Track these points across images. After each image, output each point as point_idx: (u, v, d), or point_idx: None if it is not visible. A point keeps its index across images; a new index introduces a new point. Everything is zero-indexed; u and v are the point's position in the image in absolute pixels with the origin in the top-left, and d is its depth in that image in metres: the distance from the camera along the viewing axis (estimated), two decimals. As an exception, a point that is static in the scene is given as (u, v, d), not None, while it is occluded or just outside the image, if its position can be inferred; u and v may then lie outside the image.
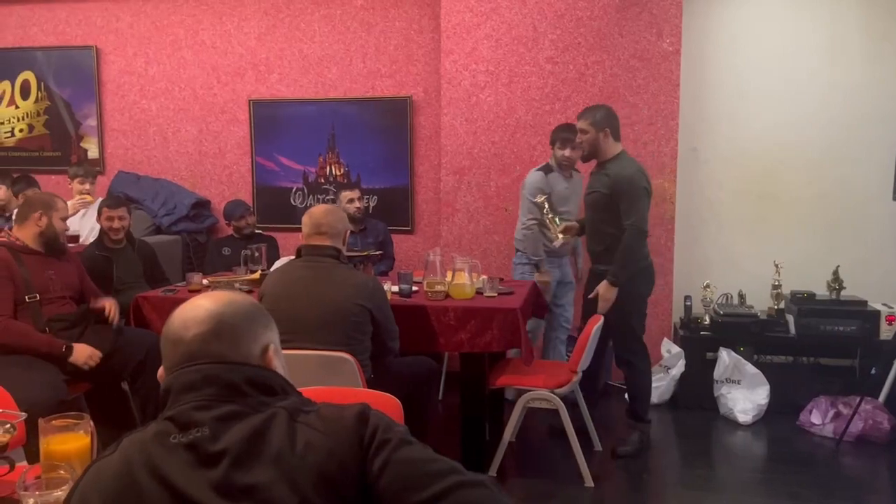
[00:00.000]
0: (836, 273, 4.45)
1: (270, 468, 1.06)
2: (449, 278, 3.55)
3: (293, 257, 3.13)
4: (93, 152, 5.82)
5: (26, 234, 3.28)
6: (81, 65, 5.74)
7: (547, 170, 4.25)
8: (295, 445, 1.07)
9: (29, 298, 3.18)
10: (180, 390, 1.13)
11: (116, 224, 4.12)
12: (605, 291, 3.58)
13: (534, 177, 4.23)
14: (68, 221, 4.76)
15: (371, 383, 2.82)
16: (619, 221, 3.56)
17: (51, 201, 3.34)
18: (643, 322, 3.78)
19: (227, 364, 1.15)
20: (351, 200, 4.69)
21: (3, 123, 5.94)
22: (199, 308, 1.20)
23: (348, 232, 3.10)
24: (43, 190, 4.99)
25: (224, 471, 1.05)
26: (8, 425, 1.58)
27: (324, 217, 2.99)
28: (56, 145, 5.89)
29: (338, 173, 5.44)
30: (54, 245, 3.34)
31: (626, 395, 3.90)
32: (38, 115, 5.88)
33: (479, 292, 3.56)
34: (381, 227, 4.95)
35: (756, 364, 4.28)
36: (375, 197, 5.40)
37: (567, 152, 4.17)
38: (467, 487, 1.06)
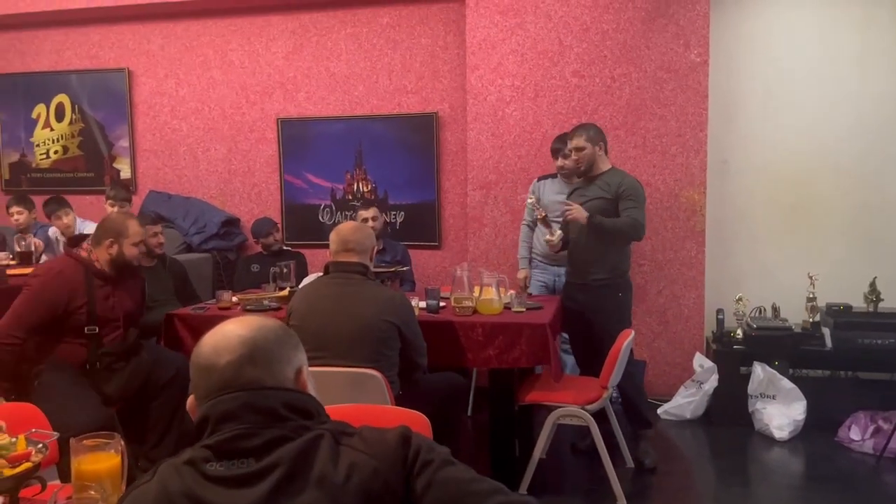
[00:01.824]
0: (872, 285, 4.35)
1: (315, 490, 1.06)
2: (476, 294, 3.54)
3: (321, 274, 3.14)
4: (125, 172, 5.92)
5: (100, 257, 3.21)
6: (114, 87, 5.86)
7: (543, 176, 4.54)
8: (338, 467, 1.08)
9: (88, 330, 3.12)
10: (219, 419, 1.12)
11: (161, 238, 4.22)
12: (579, 213, 3.61)
13: (533, 183, 4.57)
14: None
15: (399, 400, 2.81)
16: None
17: (122, 229, 3.21)
18: None
19: (263, 390, 1.15)
20: (365, 220, 4.57)
21: (38, 145, 6.08)
22: (230, 334, 1.19)
23: (375, 249, 3.11)
24: (74, 210, 5.08)
25: (268, 493, 1.06)
26: (40, 445, 1.60)
27: (351, 234, 3.00)
28: (90, 166, 6.01)
29: (365, 190, 5.46)
30: (125, 270, 3.26)
31: (626, 407, 3.82)
32: (73, 136, 6.01)
33: (507, 307, 3.54)
34: (400, 248, 4.92)
35: (792, 378, 4.19)
36: (402, 213, 5.41)
37: (559, 162, 4.31)
38: None
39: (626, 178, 3.74)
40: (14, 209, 5.05)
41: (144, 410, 3.36)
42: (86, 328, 3.12)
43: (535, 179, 4.58)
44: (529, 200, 3.80)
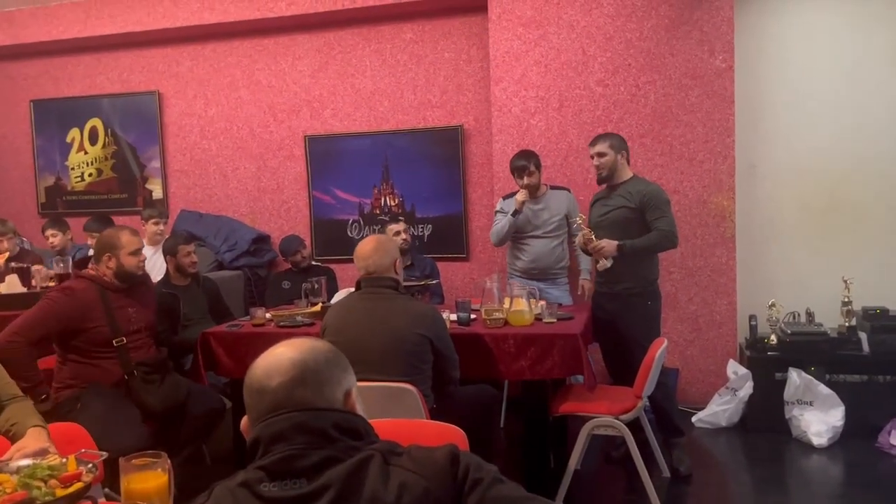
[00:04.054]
0: (909, 287, 4.28)
1: None
2: (507, 305, 3.55)
3: (353, 289, 3.17)
4: (157, 193, 6.03)
5: (104, 273, 3.34)
6: (145, 109, 5.99)
7: (508, 195, 4.52)
8: (389, 487, 1.10)
9: (116, 343, 3.23)
10: (271, 440, 1.15)
11: (194, 257, 4.29)
12: (608, 246, 3.60)
13: (499, 202, 4.58)
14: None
15: (433, 413, 2.83)
16: (645, 233, 3.64)
17: (115, 241, 3.32)
18: None
19: (314, 411, 1.17)
20: (397, 233, 4.62)
21: (73, 169, 6.22)
22: (281, 357, 1.23)
23: (398, 260, 3.10)
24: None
25: None
26: (90, 465, 1.64)
27: (369, 258, 3.01)
28: (123, 187, 6.13)
29: (392, 204, 5.50)
30: (132, 280, 3.37)
31: (657, 416, 3.79)
32: (106, 159, 6.14)
33: (538, 319, 3.55)
34: (428, 262, 4.92)
35: (828, 384, 4.13)
36: (430, 226, 5.44)
37: (525, 180, 4.29)
38: None
39: (647, 186, 3.74)
40: (49, 231, 5.16)
41: (169, 432, 3.42)
42: (113, 341, 3.23)
43: (501, 199, 4.58)
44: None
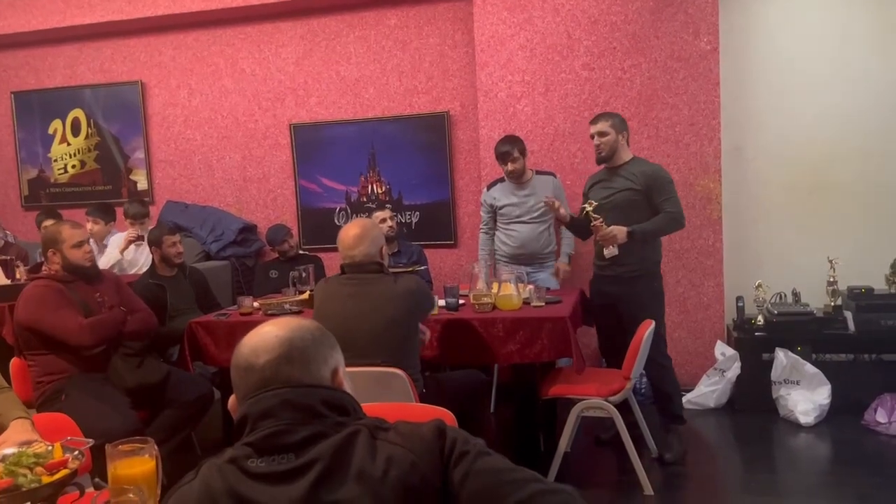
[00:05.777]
0: (893, 266, 4.32)
1: (354, 485, 1.08)
2: (495, 290, 3.55)
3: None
4: (142, 184, 5.98)
5: (55, 270, 3.32)
6: (128, 100, 5.92)
7: (492, 184, 4.54)
8: (376, 461, 1.10)
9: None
10: (258, 417, 1.15)
11: (180, 248, 4.26)
12: (619, 233, 3.48)
13: (483, 193, 4.60)
14: (122, 252, 4.87)
15: (423, 398, 2.83)
16: (651, 215, 3.56)
17: (57, 235, 3.30)
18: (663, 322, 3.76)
19: (301, 387, 1.17)
20: (384, 220, 4.59)
21: (56, 161, 6.15)
22: (267, 335, 1.22)
23: (384, 247, 3.08)
24: (103, 221, 5.14)
25: (309, 488, 1.08)
26: (76, 452, 1.63)
27: (355, 248, 2.98)
28: (107, 179, 6.07)
29: (380, 191, 5.49)
30: (82, 273, 3.34)
31: (657, 401, 3.80)
32: (89, 150, 6.08)
33: (526, 303, 3.55)
34: (416, 249, 4.89)
35: (815, 363, 4.16)
36: (417, 213, 5.43)
37: (509, 166, 4.30)
38: (549, 494, 1.08)
39: (651, 166, 3.66)
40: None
41: (153, 416, 3.43)
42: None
43: (485, 189, 4.59)
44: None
